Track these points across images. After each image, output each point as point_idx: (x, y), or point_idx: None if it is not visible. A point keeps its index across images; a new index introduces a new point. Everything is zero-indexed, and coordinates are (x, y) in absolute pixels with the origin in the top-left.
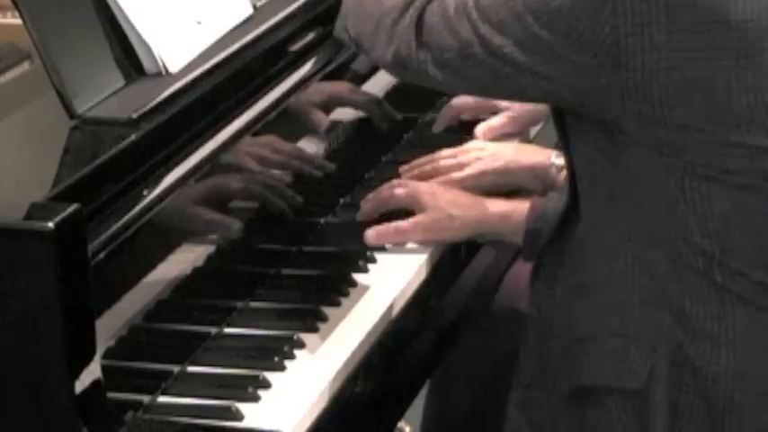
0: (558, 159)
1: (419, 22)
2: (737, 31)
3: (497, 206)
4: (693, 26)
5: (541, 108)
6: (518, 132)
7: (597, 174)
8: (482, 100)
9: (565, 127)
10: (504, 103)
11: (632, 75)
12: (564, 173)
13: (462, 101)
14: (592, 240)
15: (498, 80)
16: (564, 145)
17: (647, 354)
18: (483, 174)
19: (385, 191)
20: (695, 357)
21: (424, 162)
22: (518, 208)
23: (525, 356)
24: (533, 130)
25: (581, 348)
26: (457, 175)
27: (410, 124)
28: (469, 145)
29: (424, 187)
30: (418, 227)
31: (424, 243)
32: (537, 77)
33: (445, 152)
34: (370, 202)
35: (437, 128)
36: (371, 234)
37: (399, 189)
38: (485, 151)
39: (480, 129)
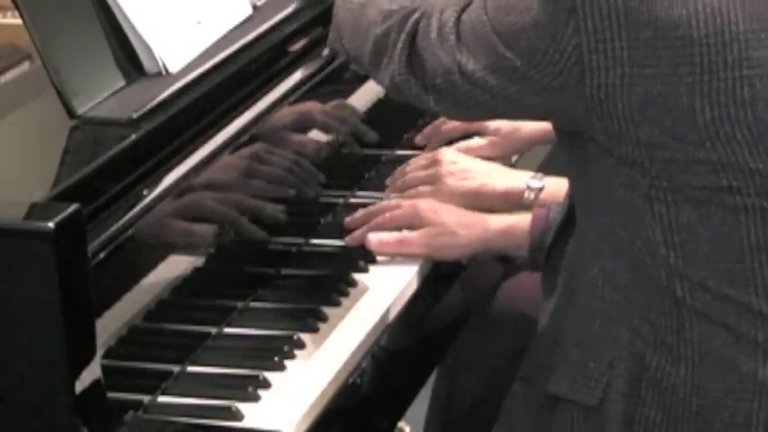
0: (534, 182)
1: (411, 46)
2: (700, 45)
3: (500, 222)
4: (655, 41)
5: (528, 137)
6: (497, 157)
7: (575, 184)
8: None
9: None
10: (491, 126)
11: (596, 92)
12: (542, 194)
13: (453, 125)
14: (573, 250)
15: (479, 105)
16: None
17: (605, 370)
18: (452, 193)
19: (383, 212)
20: (656, 369)
21: (397, 174)
22: (520, 222)
23: (528, 351)
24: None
25: (551, 353)
26: (425, 188)
27: (410, 125)
28: (444, 155)
29: (424, 204)
30: (422, 240)
31: (424, 257)
32: (507, 101)
33: (418, 161)
34: (365, 228)
35: (421, 140)
36: (375, 241)
37: (398, 209)
38: (457, 165)
39: (458, 147)
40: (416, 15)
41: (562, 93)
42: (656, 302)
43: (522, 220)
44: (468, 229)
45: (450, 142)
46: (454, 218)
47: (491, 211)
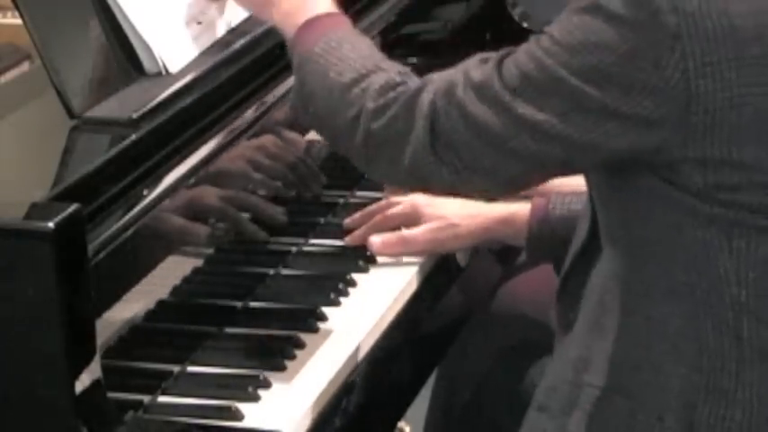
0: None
1: (433, 131)
2: None
3: (500, 210)
4: (763, 58)
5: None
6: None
7: (614, 227)
8: (410, 211)
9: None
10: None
11: (702, 118)
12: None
13: (390, 213)
14: (610, 287)
15: (545, 164)
16: (593, 193)
17: (654, 422)
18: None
19: (380, 212)
20: (709, 415)
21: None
22: (520, 211)
23: (550, 363)
24: None
25: (588, 396)
26: (411, 233)
27: None
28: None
29: (422, 200)
30: (426, 237)
31: (429, 253)
32: (586, 149)
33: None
34: (364, 228)
35: (350, 225)
36: (377, 243)
37: (396, 207)
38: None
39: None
40: (425, 95)
41: (660, 126)
42: (712, 347)
43: (521, 208)
44: (470, 219)
45: None
46: (454, 209)
47: (492, 199)
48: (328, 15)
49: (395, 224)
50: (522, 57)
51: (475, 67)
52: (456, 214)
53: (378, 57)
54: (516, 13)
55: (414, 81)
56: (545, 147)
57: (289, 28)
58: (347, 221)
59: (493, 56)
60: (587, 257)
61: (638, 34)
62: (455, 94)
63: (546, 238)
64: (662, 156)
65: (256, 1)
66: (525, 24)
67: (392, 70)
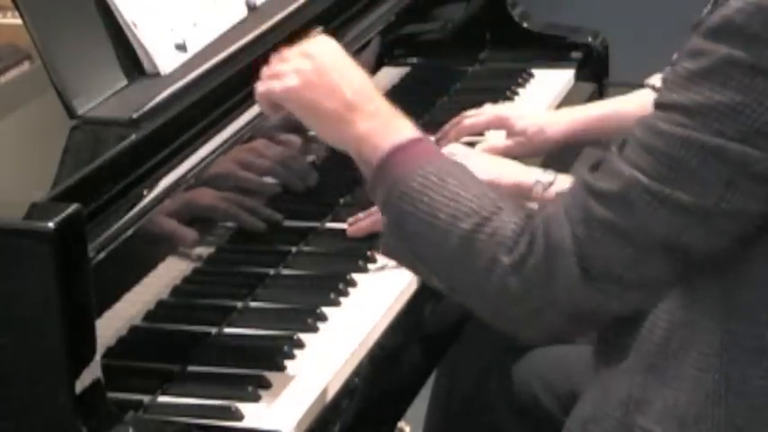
0: (544, 177)
1: (583, 261)
2: None
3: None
4: None
5: (553, 138)
6: (522, 158)
7: (717, 292)
8: (494, 119)
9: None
10: (517, 127)
11: None
12: (551, 189)
13: (473, 121)
14: (682, 335)
15: (720, 243)
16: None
17: None
18: None
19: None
20: None
21: None
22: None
23: (588, 391)
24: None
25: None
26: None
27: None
28: (453, 148)
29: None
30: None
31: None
32: (750, 218)
33: None
34: (369, 219)
35: (441, 135)
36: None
37: None
38: (469, 159)
39: (482, 147)
40: (560, 232)
41: None
42: None
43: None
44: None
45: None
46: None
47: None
48: (418, 142)
49: None
50: (653, 140)
51: (594, 179)
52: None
53: (487, 190)
54: (516, 14)
55: (536, 215)
56: (714, 228)
57: (368, 151)
58: (350, 220)
59: (600, 158)
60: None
61: None
62: (594, 215)
63: None
64: None
65: (328, 115)
66: (525, 24)
67: (510, 208)
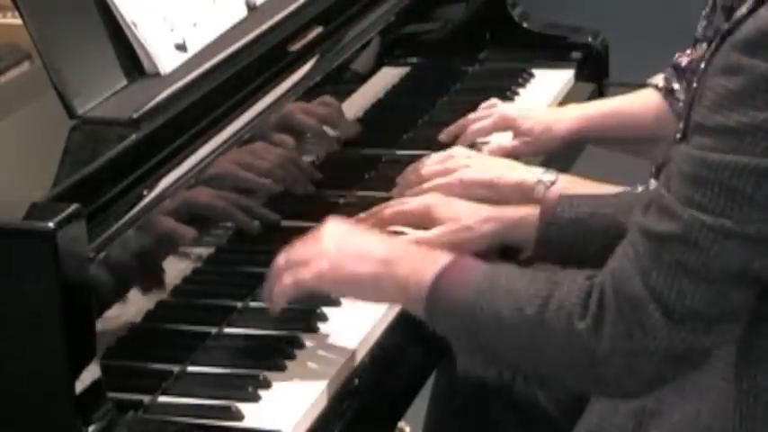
0: (545, 176)
1: (665, 307)
2: None
3: (511, 213)
4: None
5: (560, 137)
6: (528, 157)
7: None
8: (500, 121)
9: None
10: (524, 126)
11: None
12: (553, 188)
13: (480, 126)
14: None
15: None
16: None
17: None
18: (470, 184)
19: (392, 208)
20: None
21: (410, 170)
22: (530, 215)
23: (594, 402)
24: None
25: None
26: (441, 181)
27: (410, 125)
28: (455, 151)
29: (432, 200)
30: (439, 239)
31: None
32: None
33: (433, 157)
34: (374, 221)
35: (445, 138)
36: None
37: (409, 205)
38: (471, 160)
39: (490, 148)
40: (631, 285)
41: None
42: None
43: (531, 213)
44: (483, 222)
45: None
46: (467, 211)
47: (506, 202)
48: (455, 262)
49: (406, 222)
50: (702, 172)
51: (652, 223)
52: (469, 216)
53: (537, 274)
54: (516, 14)
55: (598, 274)
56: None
57: (415, 292)
58: (361, 216)
59: (647, 198)
60: None
61: None
62: (662, 260)
63: (554, 241)
64: None
65: (367, 280)
66: (525, 24)
67: (566, 278)
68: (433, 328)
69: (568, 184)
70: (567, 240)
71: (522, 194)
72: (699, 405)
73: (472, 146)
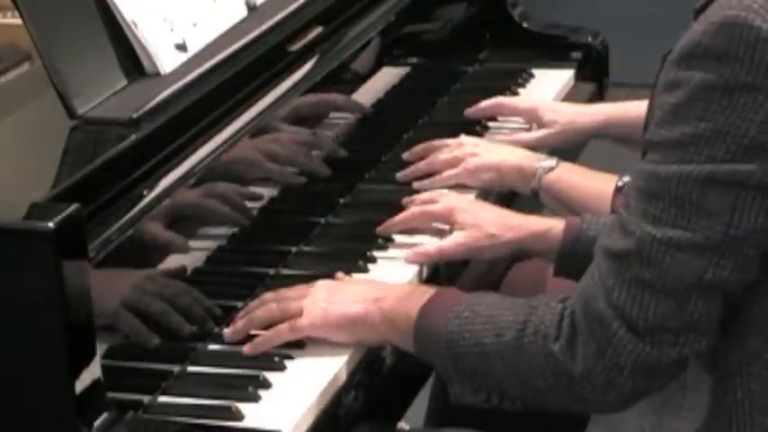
0: (547, 162)
1: (629, 324)
2: None
3: (534, 225)
4: None
5: (582, 129)
6: (551, 147)
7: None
8: (530, 108)
9: None
10: (546, 117)
11: None
12: (552, 174)
13: (511, 102)
14: (692, 367)
15: (739, 278)
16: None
17: None
18: (478, 169)
19: (416, 206)
20: None
21: (419, 153)
22: (554, 227)
23: (592, 427)
24: None
25: None
26: (451, 172)
27: (410, 125)
28: (464, 139)
29: (458, 203)
30: (460, 248)
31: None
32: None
33: (439, 143)
34: (399, 217)
35: (470, 113)
36: (411, 254)
37: (434, 206)
38: (479, 147)
39: (517, 138)
40: (596, 304)
41: None
42: None
43: (556, 224)
44: (507, 229)
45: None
46: (490, 218)
47: (509, 185)
48: (439, 294)
49: (428, 221)
50: (653, 185)
51: (611, 241)
52: (493, 223)
53: (516, 300)
54: (516, 14)
55: (571, 295)
56: (736, 255)
57: (404, 327)
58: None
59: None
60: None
61: None
62: (621, 277)
63: (577, 257)
64: None
65: (360, 319)
66: (525, 24)
67: (543, 302)
68: (423, 359)
69: (567, 171)
70: (588, 257)
71: (521, 177)
72: (695, 423)
73: (481, 135)
